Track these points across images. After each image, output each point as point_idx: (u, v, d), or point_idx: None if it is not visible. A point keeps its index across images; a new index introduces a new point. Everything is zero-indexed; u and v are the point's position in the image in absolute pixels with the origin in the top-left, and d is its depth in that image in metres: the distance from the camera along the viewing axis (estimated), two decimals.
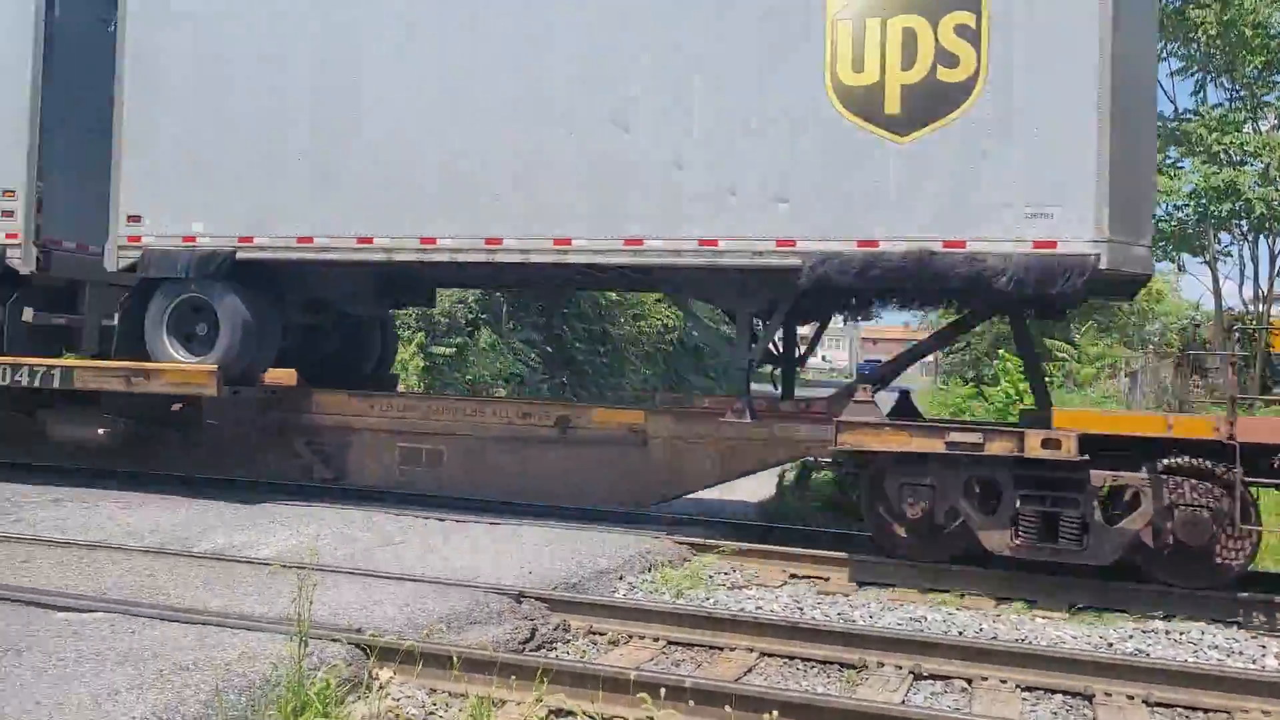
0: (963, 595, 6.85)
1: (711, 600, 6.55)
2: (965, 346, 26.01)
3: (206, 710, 3.91)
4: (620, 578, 6.92)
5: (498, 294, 19.10)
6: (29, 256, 9.36)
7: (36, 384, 8.96)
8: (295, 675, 3.99)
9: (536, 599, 5.98)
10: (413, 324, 17.60)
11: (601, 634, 5.80)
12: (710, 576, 7.13)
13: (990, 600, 6.76)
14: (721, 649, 5.59)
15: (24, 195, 9.35)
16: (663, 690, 4.31)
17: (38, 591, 5.46)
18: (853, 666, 5.36)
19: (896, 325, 75.79)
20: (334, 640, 4.71)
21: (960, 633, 6.03)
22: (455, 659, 4.53)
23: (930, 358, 53.23)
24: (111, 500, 8.77)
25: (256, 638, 4.75)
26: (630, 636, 5.75)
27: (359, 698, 4.42)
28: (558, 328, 21.52)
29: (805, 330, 10.23)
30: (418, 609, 5.54)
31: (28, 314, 9.54)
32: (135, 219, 8.87)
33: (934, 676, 5.28)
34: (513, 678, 4.51)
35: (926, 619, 6.31)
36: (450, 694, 4.60)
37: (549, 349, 21.18)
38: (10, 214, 9.36)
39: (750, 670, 5.31)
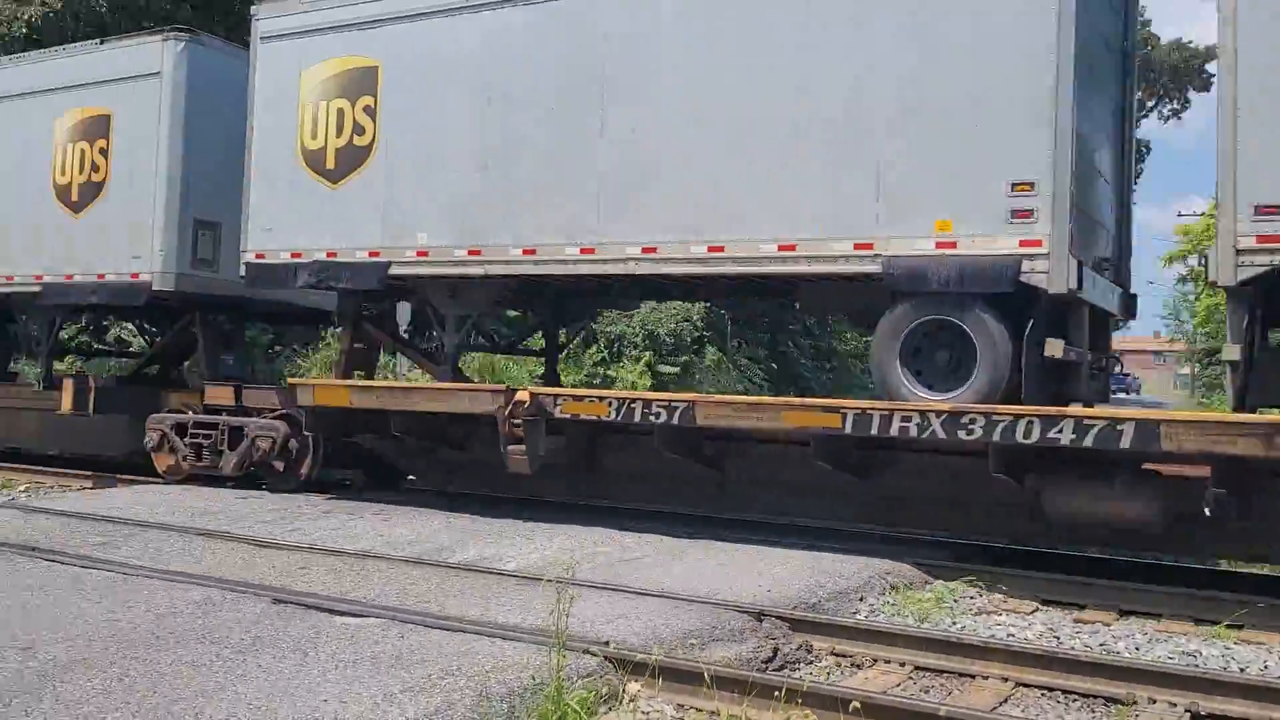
0: (1241, 628, 6.29)
1: (958, 626, 6.31)
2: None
3: (473, 715, 4.11)
4: (860, 599, 6.78)
5: (723, 312, 19.22)
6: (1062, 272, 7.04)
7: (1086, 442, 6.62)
8: (555, 686, 4.14)
9: (777, 618, 5.94)
10: (640, 343, 18.00)
11: (845, 656, 5.69)
12: (955, 601, 6.87)
13: (1274, 634, 6.18)
14: (973, 677, 5.37)
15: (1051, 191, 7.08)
16: (915, 717, 4.19)
17: (318, 596, 5.92)
18: (1119, 701, 5.02)
19: (1146, 335, 70.60)
20: (587, 653, 4.85)
21: (1242, 669, 5.54)
22: (707, 676, 4.56)
23: (1187, 369, 49.25)
24: (372, 513, 9.41)
25: (514, 647, 4.96)
26: (875, 660, 5.62)
27: (610, 709, 4.53)
28: (782, 344, 21.43)
29: None
30: (660, 624, 5.62)
31: (1055, 348, 7.22)
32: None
33: (1213, 717, 4.87)
34: (760, 697, 4.50)
35: (1201, 653, 5.83)
36: (698, 710, 4.64)
37: (774, 365, 21.12)
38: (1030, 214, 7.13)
39: (1006, 700, 5.08)
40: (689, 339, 18.50)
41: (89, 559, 6.81)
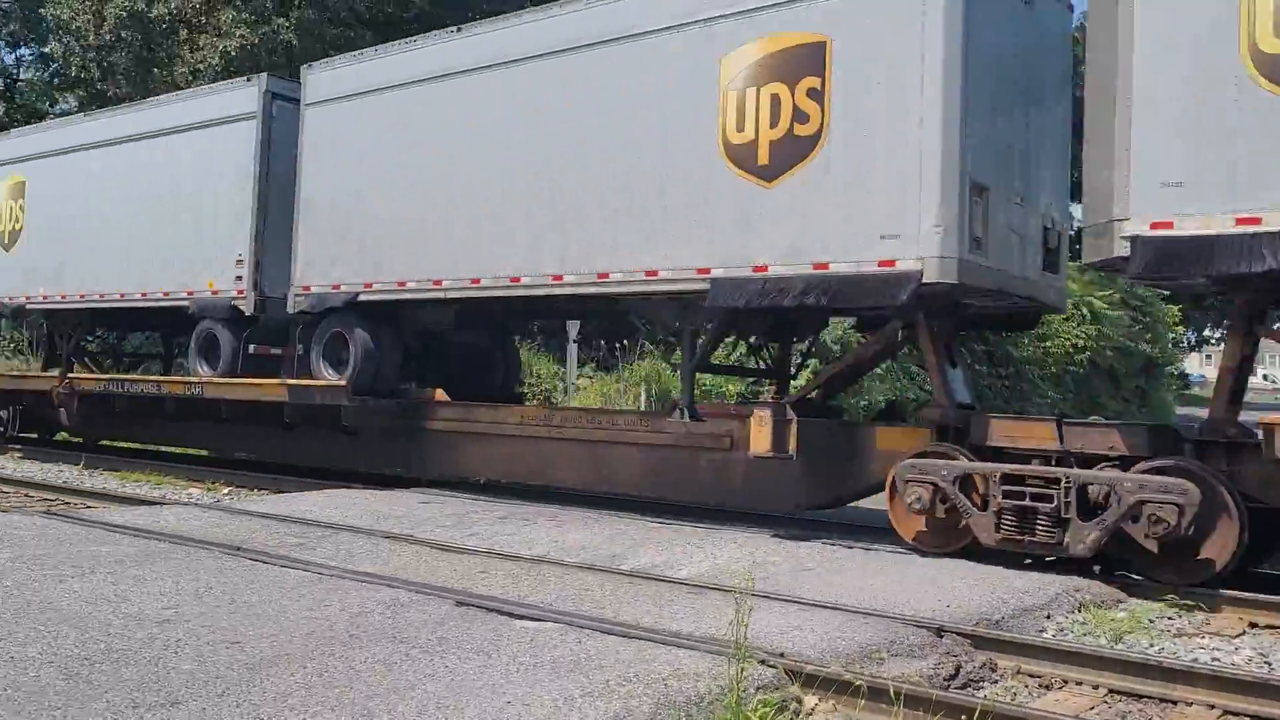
0: None
1: (1156, 648, 5.95)
2: None
3: None
4: (1047, 616, 6.49)
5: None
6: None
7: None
8: (733, 696, 4.13)
9: (958, 634, 5.75)
10: (803, 350, 17.75)
11: (1033, 676, 5.45)
12: (1151, 621, 6.49)
13: None
14: (1175, 703, 5.05)
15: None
16: None
17: (498, 600, 6.09)
18: None
19: None
20: (764, 663, 4.81)
21: None
22: (892, 692, 4.45)
23: None
24: (545, 517, 9.63)
25: (689, 655, 4.97)
26: (1065, 681, 5.37)
27: None
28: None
29: None
30: (836, 637, 5.53)
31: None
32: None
33: None
34: (946, 717, 4.36)
35: None
36: None
37: None
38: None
39: None
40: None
41: (288, 559, 7.21)
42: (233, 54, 20.78)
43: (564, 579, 6.91)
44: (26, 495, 12.43)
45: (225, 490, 12.97)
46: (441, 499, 10.81)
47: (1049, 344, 23.14)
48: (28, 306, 16.52)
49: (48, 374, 15.83)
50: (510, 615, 5.74)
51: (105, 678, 4.37)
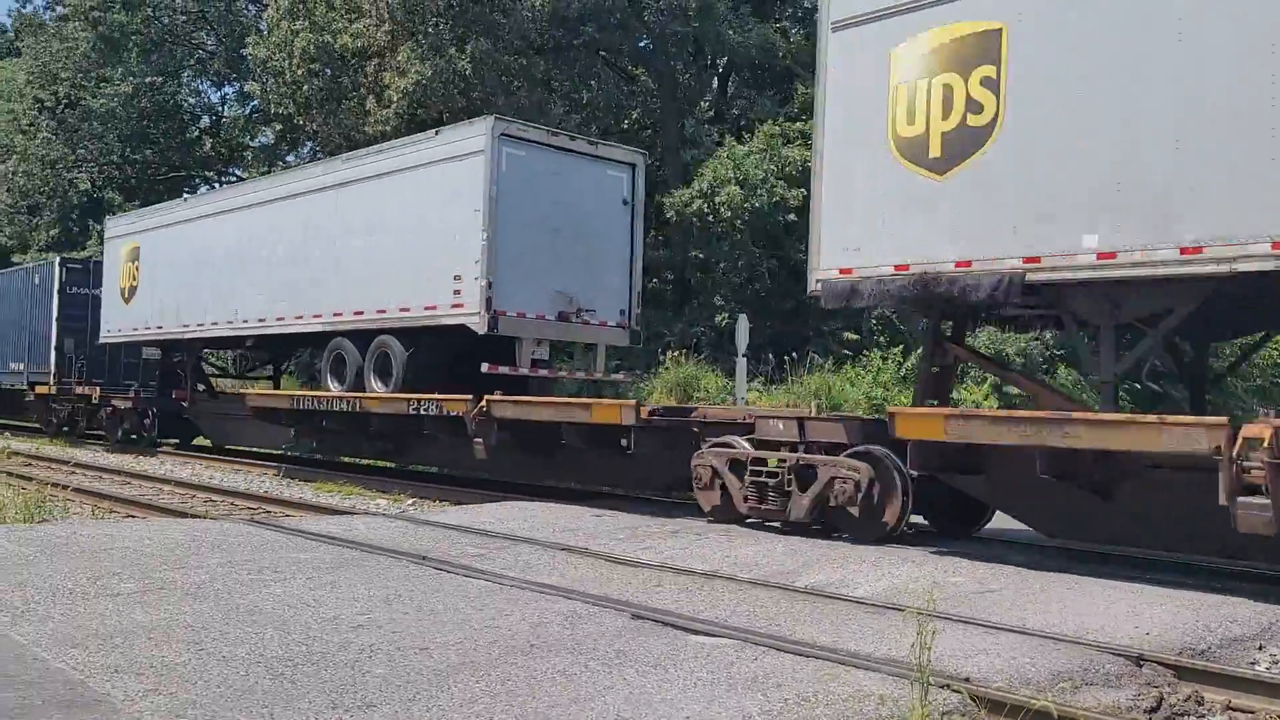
0: None
1: None
2: None
3: None
4: (1259, 647, 6.03)
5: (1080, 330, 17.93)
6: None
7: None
8: None
9: (1159, 663, 5.41)
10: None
11: (1244, 712, 5.08)
12: None
13: None
14: None
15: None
16: None
17: (673, 614, 6.12)
18: None
19: None
20: (947, 688, 4.66)
21: None
22: None
23: None
24: (717, 532, 9.62)
25: (870, 676, 4.86)
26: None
27: None
28: (1146, 361, 19.64)
29: None
30: (1025, 663, 5.30)
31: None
32: None
33: None
34: None
35: None
36: None
37: (1136, 385, 19.36)
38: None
39: None
40: (1040, 359, 17.42)
41: (469, 569, 7.46)
42: (412, 90, 21.80)
43: (737, 595, 6.89)
44: (233, 504, 13.32)
45: (409, 501, 13.54)
46: (614, 513, 10.96)
47: (1259, 355, 21.59)
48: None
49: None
50: (686, 630, 5.76)
51: (307, 679, 4.62)
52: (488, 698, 4.45)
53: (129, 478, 16.47)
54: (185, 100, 35.78)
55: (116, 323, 21.64)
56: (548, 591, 6.72)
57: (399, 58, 22.08)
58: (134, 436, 22.48)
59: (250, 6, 32.39)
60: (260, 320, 17.08)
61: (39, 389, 24.56)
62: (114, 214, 27.45)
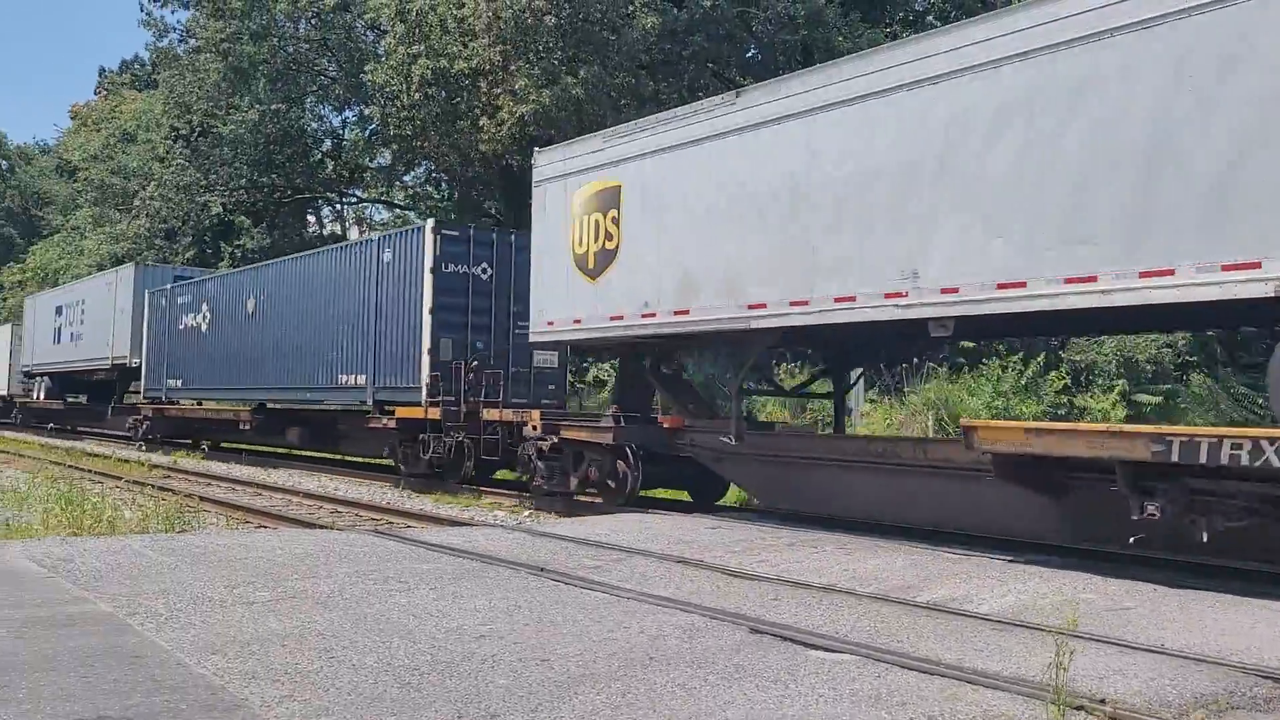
0: None
1: None
2: None
3: None
4: None
5: (1211, 334, 17.15)
6: None
7: None
8: None
9: None
10: (1112, 371, 16.56)
11: None
12: None
13: None
14: None
15: None
16: None
17: (792, 628, 6.06)
18: None
19: None
20: (1082, 709, 4.49)
21: None
22: None
23: None
24: (834, 545, 9.48)
25: (999, 696, 4.72)
26: None
27: None
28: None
29: None
30: (1164, 684, 5.07)
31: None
32: None
33: None
34: None
35: None
36: None
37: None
38: None
39: None
40: (1172, 365, 16.70)
41: (586, 581, 7.52)
42: (527, 118, 22.26)
43: (857, 609, 6.77)
44: (357, 515, 13.73)
45: (526, 513, 13.73)
46: (729, 524, 10.91)
47: None
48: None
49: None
50: (805, 644, 5.69)
51: (433, 688, 4.72)
52: (609, 710, 4.47)
53: (259, 489, 17.14)
54: (308, 125, 37.15)
55: (568, 309, 13.37)
56: (665, 604, 6.72)
57: (516, 84, 22.54)
58: (593, 488, 13.63)
59: (369, 33, 33.46)
60: (1013, 286, 8.77)
61: (402, 412, 16.93)
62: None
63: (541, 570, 7.92)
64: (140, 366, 28.72)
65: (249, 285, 23.56)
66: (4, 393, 41.38)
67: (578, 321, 13.26)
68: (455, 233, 17.28)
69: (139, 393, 29.52)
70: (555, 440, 13.78)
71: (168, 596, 6.51)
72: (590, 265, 13.10)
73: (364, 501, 14.87)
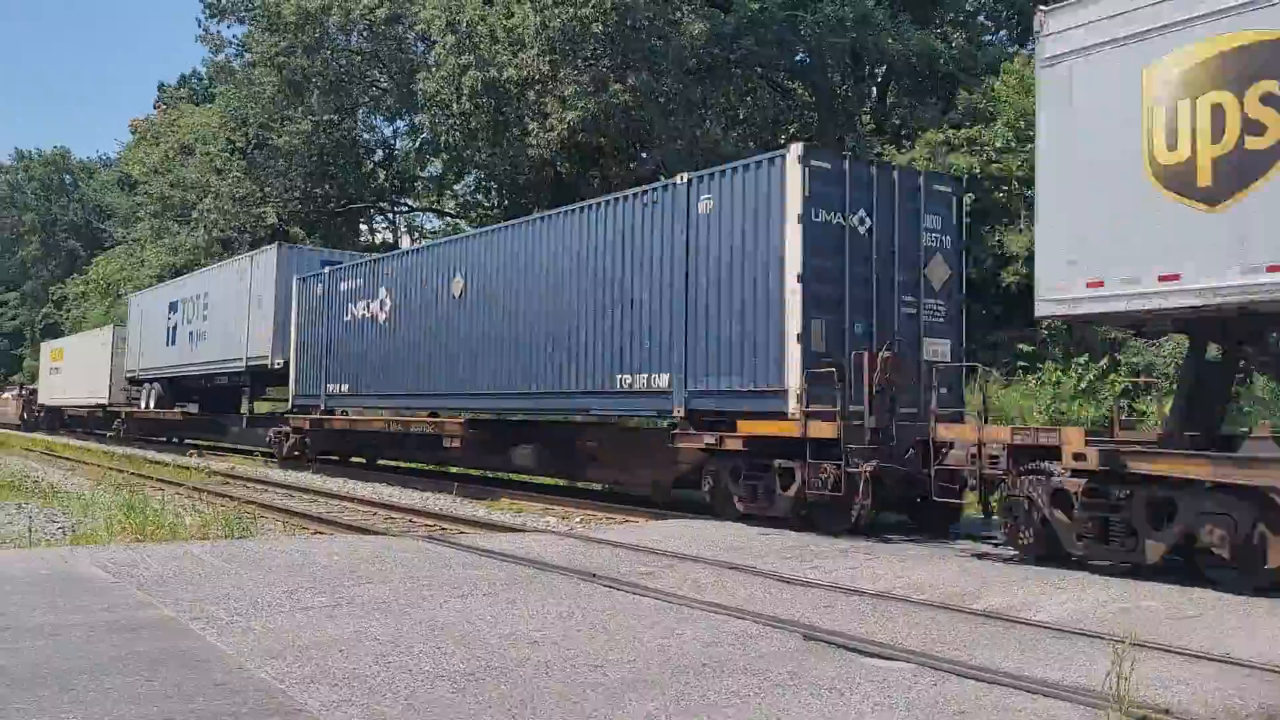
0: None
1: None
2: None
3: None
4: None
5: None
6: None
7: None
8: None
9: None
10: (1170, 372, 16.20)
11: None
12: None
13: None
14: None
15: None
16: None
17: (846, 636, 6.01)
18: None
19: None
20: (1147, 719, 4.41)
21: None
22: None
23: None
24: (888, 552, 9.40)
25: (1059, 706, 4.65)
26: None
27: None
28: None
29: None
30: (1229, 694, 4.96)
31: None
32: None
33: None
34: None
35: None
36: None
37: None
38: None
39: None
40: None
41: (639, 587, 7.53)
42: (575, 123, 22.39)
43: (912, 616, 6.71)
44: (411, 520, 13.86)
45: (578, 519, 13.78)
46: (780, 532, 10.85)
47: None
48: None
49: None
50: (859, 652, 5.64)
51: (487, 693, 4.76)
52: (663, 717, 4.47)
53: (316, 495, 17.38)
54: (360, 135, 37.72)
55: (1141, 257, 8.36)
56: (717, 610, 6.71)
57: (564, 90, 22.69)
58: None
59: (419, 44, 33.87)
60: None
61: (753, 427, 11.59)
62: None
63: (594, 576, 7.94)
64: (284, 368, 23.36)
65: (452, 262, 17.67)
66: (104, 401, 37.03)
67: (1170, 278, 8.05)
68: (827, 165, 11.65)
69: (276, 400, 25.18)
70: (1117, 484, 8.44)
71: (228, 601, 6.63)
72: (1204, 182, 7.85)
73: (417, 507, 15.02)
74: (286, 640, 5.66)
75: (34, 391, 50.28)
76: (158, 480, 18.36)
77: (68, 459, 26.81)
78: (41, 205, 76.48)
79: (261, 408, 26.38)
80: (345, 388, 20.87)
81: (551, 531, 11.70)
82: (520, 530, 11.97)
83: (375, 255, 22.90)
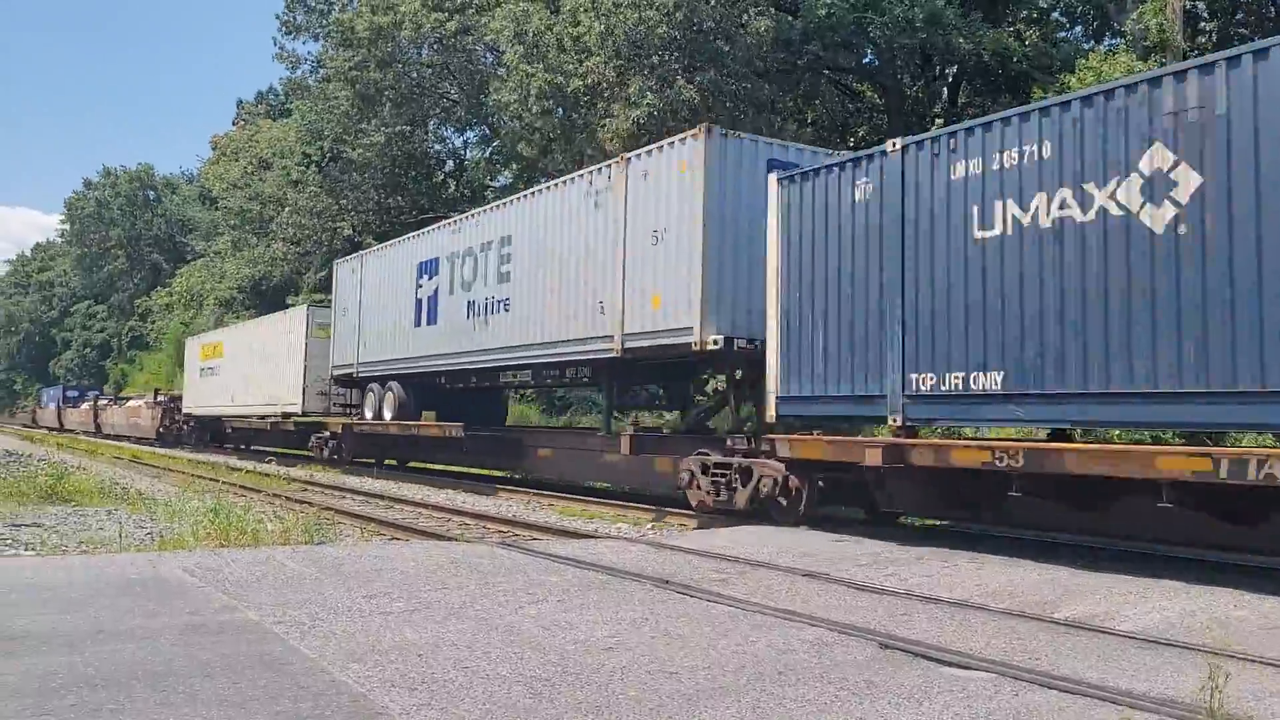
0: None
1: None
2: None
3: None
4: None
5: None
6: None
7: None
8: None
9: None
10: None
11: None
12: None
13: None
14: None
15: None
16: None
17: (924, 644, 5.93)
18: None
19: None
20: None
21: None
22: None
23: None
24: (965, 559, 9.24)
25: (1145, 718, 4.52)
26: None
27: None
28: None
29: None
30: None
31: None
32: None
33: None
34: None
35: None
36: None
37: None
38: None
39: None
40: None
41: (711, 593, 7.52)
42: (642, 121, 22.45)
43: (991, 625, 6.59)
44: (484, 527, 14.02)
45: (649, 525, 13.80)
46: (855, 538, 10.75)
47: None
48: None
49: None
50: (938, 661, 5.56)
51: (564, 698, 4.79)
52: None
53: (391, 501, 17.67)
54: (431, 147, 38.34)
55: None
56: (792, 618, 6.67)
57: (630, 90, 22.78)
58: None
59: (488, 55, 34.32)
60: None
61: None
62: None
63: (666, 583, 7.95)
64: (722, 348, 12.96)
65: None
66: (296, 409, 26.73)
67: None
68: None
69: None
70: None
71: (309, 606, 6.78)
72: None
73: (491, 514, 15.18)
74: (367, 644, 5.76)
75: (175, 398, 40.89)
76: (240, 487, 18.83)
77: (154, 466, 27.63)
78: (127, 220, 79.14)
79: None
80: (943, 376, 10.06)
81: (623, 538, 11.73)
82: (592, 537, 12.02)
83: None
